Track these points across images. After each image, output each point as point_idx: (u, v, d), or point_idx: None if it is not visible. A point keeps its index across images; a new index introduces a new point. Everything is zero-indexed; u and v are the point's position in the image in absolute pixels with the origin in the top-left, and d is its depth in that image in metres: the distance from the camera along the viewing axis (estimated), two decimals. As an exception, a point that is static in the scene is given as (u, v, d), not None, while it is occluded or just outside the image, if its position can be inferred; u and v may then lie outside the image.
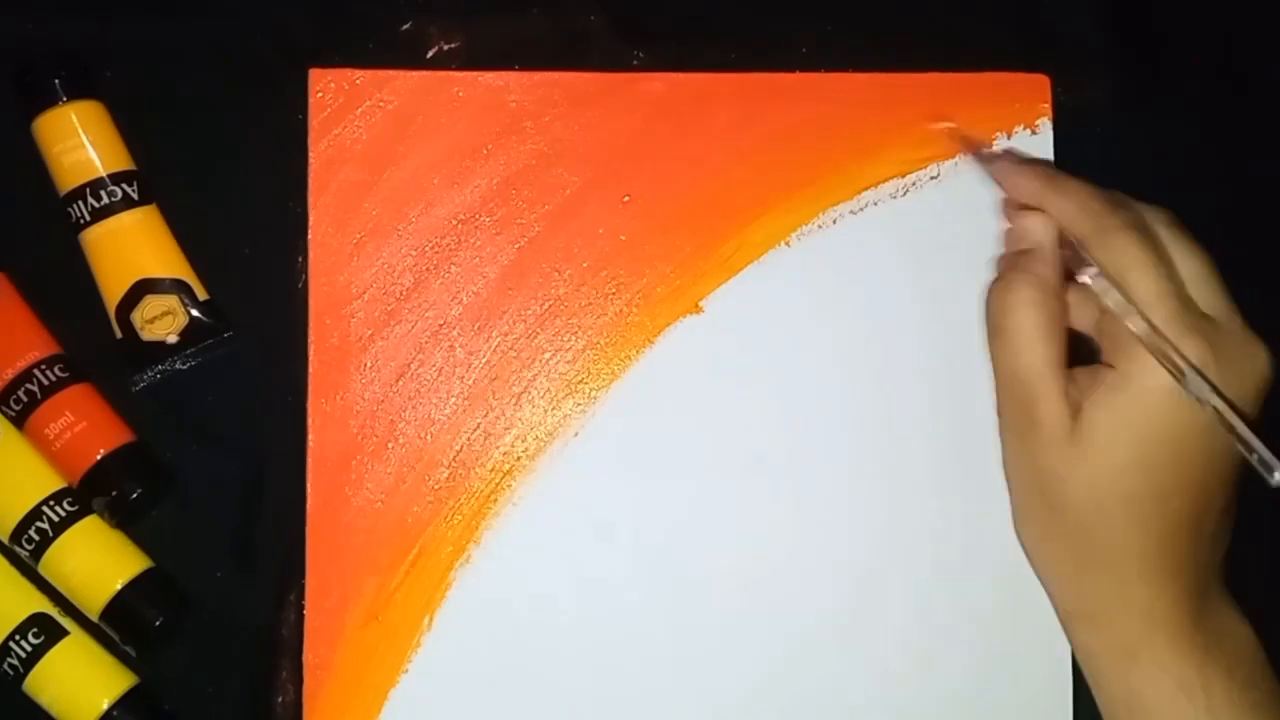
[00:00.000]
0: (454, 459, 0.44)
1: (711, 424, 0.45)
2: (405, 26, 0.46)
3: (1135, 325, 0.38)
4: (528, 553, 0.44)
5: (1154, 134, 0.48)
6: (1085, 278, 0.39)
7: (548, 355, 0.45)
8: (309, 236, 0.45)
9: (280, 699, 0.43)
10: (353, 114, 0.45)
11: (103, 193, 0.43)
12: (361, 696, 0.43)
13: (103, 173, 0.43)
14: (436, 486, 0.44)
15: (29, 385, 0.42)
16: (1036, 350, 0.39)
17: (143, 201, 0.44)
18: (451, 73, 0.46)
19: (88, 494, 0.42)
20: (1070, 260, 0.41)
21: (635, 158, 0.46)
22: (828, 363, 0.46)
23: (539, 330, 0.45)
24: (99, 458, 0.42)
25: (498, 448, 0.45)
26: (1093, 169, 0.47)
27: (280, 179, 0.45)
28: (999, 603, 0.45)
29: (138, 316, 0.43)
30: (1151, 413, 0.38)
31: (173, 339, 0.44)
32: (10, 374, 0.43)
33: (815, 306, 0.46)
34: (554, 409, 0.45)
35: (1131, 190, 0.47)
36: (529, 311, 0.45)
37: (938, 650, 0.45)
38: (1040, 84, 0.47)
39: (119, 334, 0.44)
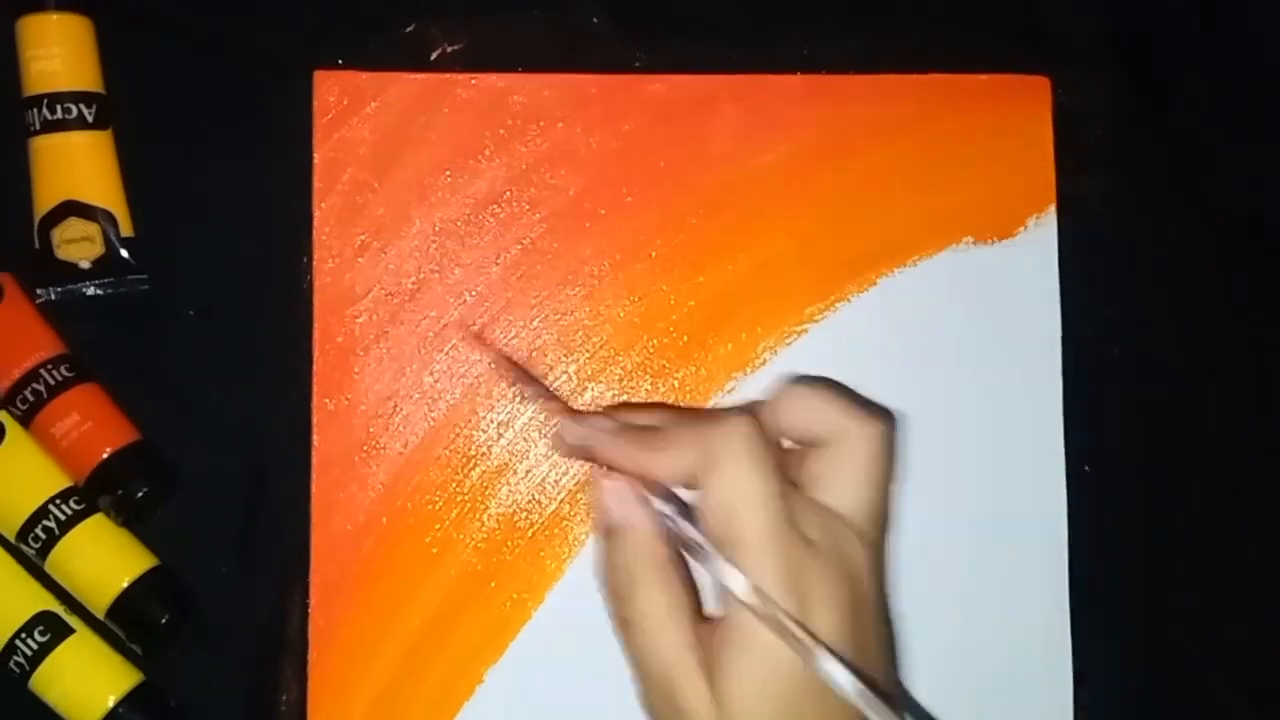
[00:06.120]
0: (457, 458, 0.45)
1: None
2: (409, 29, 0.46)
3: (750, 602, 0.34)
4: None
5: (1154, 135, 0.48)
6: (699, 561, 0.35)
7: (551, 356, 0.45)
8: (313, 237, 0.45)
9: (284, 697, 0.44)
10: (357, 116, 0.45)
11: (59, 106, 0.43)
12: (365, 695, 0.44)
13: (64, 88, 0.44)
14: (440, 485, 0.45)
15: (35, 385, 0.43)
16: (668, 637, 0.35)
17: (98, 126, 0.44)
18: (454, 75, 0.46)
19: (94, 492, 0.43)
20: (669, 526, 0.36)
21: (637, 159, 0.46)
22: (832, 359, 0.46)
23: (542, 331, 0.45)
24: (105, 456, 0.42)
25: (500, 447, 0.45)
26: (1092, 171, 0.47)
27: (285, 180, 0.45)
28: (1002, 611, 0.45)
29: (57, 234, 0.43)
30: (783, 666, 0.34)
31: (85, 265, 0.44)
32: (17, 374, 0.43)
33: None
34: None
35: (1133, 193, 0.47)
36: (532, 312, 0.46)
37: (938, 660, 0.45)
38: (1040, 85, 0.47)
39: (37, 245, 0.44)
